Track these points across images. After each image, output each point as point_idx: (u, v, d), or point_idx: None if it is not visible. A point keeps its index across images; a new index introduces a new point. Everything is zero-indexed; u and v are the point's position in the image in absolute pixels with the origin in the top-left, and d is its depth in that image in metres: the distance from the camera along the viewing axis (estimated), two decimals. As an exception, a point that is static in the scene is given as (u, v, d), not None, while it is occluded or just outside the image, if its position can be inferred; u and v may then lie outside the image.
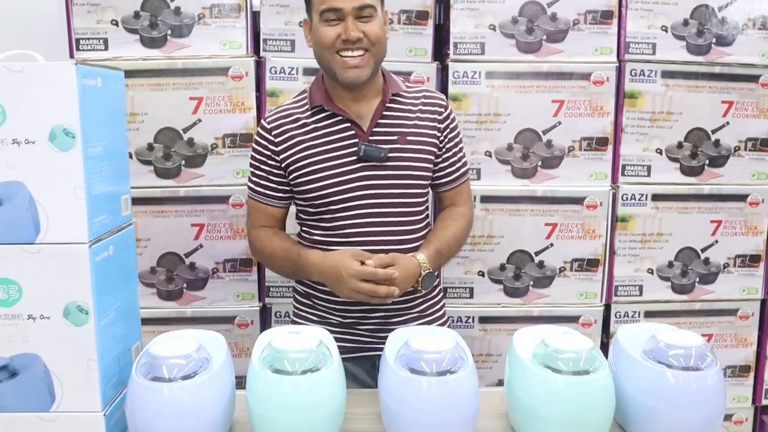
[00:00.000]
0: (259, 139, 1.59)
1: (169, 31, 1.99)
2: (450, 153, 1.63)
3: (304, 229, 1.63)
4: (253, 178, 1.61)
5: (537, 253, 2.09)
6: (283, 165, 1.56)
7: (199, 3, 1.98)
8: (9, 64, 1.08)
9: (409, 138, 1.55)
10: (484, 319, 2.10)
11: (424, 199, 1.63)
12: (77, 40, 1.99)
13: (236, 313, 2.08)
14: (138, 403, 1.11)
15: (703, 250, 2.14)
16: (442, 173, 1.64)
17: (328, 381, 1.13)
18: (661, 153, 2.09)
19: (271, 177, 1.58)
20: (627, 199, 2.08)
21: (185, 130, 1.99)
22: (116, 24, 1.98)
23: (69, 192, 1.11)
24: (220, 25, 1.99)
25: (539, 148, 2.06)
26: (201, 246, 2.05)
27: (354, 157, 1.52)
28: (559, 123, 2.05)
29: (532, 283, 2.10)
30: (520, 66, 2.03)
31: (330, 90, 1.55)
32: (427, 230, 1.64)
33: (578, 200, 2.06)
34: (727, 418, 2.23)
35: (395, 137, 1.54)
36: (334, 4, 1.43)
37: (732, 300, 2.18)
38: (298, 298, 1.68)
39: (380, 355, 1.24)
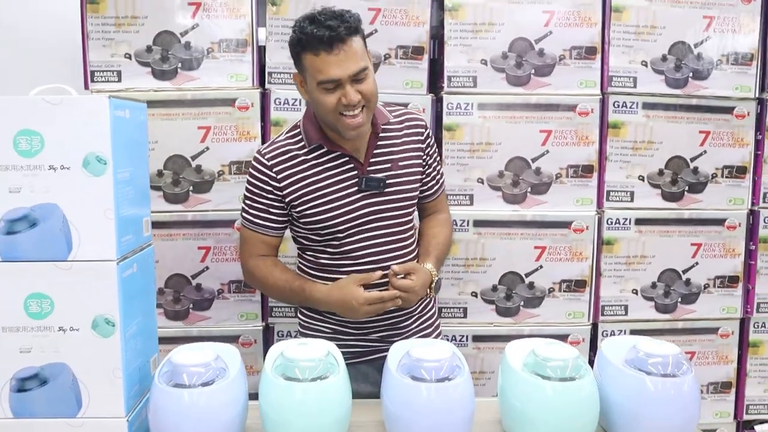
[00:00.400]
0: (258, 174, 1.65)
1: (180, 65, 2.10)
2: (432, 169, 1.79)
3: (308, 253, 1.73)
4: (251, 211, 1.68)
5: (527, 275, 2.20)
6: (286, 200, 1.65)
7: (208, 38, 2.10)
8: (47, 96, 1.19)
9: (400, 164, 1.69)
10: (477, 338, 2.20)
11: (413, 211, 1.78)
12: (92, 72, 2.10)
13: (240, 332, 2.17)
14: (160, 407, 1.20)
15: (684, 272, 2.25)
16: (426, 187, 1.79)
17: (336, 388, 1.23)
18: (643, 180, 2.21)
19: (271, 210, 1.67)
20: (612, 223, 2.20)
21: (193, 157, 2.10)
22: (129, 57, 2.09)
23: (99, 213, 1.21)
24: (228, 59, 2.11)
25: (528, 175, 2.17)
26: (207, 268, 2.14)
27: (355, 188, 1.64)
28: (547, 152, 2.17)
29: (522, 303, 2.21)
30: (510, 98, 2.15)
31: (325, 130, 1.64)
32: (415, 237, 1.78)
33: (566, 224, 2.18)
34: (710, 433, 2.33)
35: (389, 165, 1.67)
36: (332, 76, 1.50)
37: (713, 319, 2.29)
38: (308, 313, 1.77)
39: None
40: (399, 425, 1.25)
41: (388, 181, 1.66)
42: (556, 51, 2.15)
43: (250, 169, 1.68)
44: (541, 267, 2.19)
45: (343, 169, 1.65)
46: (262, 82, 2.14)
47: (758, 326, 2.31)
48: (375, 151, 1.67)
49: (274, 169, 1.64)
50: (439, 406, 1.21)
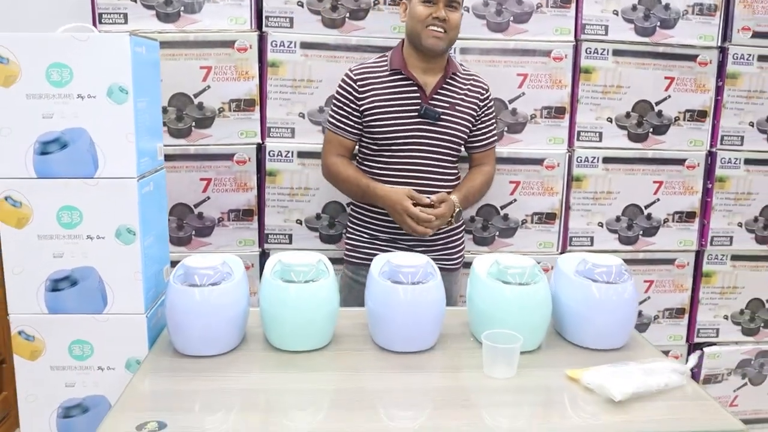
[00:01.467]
0: (345, 86, 2.00)
1: (182, 8, 2.25)
2: (484, 125, 2.07)
3: (365, 162, 2.05)
4: (335, 115, 2.02)
5: (502, 208, 2.40)
6: (361, 108, 1.97)
7: (208, -18, 2.24)
8: (75, 33, 1.36)
9: (457, 107, 1.99)
10: (455, 265, 2.40)
11: (458, 157, 2.07)
12: (99, 15, 2.24)
13: (239, 257, 2.36)
14: (175, 304, 1.40)
15: (646, 207, 2.46)
16: (476, 138, 2.08)
17: (325, 289, 1.44)
18: (611, 121, 2.40)
19: (350, 115, 1.99)
20: (581, 161, 2.39)
21: (196, 95, 2.26)
22: (135, 0, 2.24)
23: (122, 137, 1.40)
24: (228, 3, 2.25)
25: (505, 115, 2.35)
26: (208, 198, 2.33)
27: (415, 113, 1.95)
28: (523, 94, 2.35)
29: (498, 233, 2.41)
30: (490, 43, 2.31)
31: (407, 59, 1.98)
32: (456, 180, 2.07)
33: (538, 161, 2.37)
34: (665, 353, 2.56)
35: (447, 105, 1.98)
36: None
37: (670, 251, 2.50)
38: (354, 221, 2.11)
39: None
40: (380, 323, 1.46)
41: (443, 116, 1.96)
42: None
43: (340, 82, 2.02)
44: (515, 200, 2.39)
45: (410, 95, 1.97)
46: (259, 25, 2.28)
47: (712, 258, 2.53)
48: (439, 90, 1.98)
49: (358, 83, 1.98)
50: (413, 305, 1.42)
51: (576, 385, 1.32)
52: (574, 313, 1.50)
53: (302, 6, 2.25)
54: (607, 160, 2.40)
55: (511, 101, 2.35)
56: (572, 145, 2.40)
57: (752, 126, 2.45)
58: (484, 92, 2.06)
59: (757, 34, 2.39)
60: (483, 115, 2.06)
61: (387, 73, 1.98)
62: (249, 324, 1.51)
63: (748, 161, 2.46)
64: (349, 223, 2.15)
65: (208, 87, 2.26)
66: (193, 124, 2.28)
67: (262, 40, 2.27)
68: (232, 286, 1.43)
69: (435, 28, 1.89)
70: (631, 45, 2.35)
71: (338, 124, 2.02)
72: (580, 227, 2.44)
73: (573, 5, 2.32)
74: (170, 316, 1.41)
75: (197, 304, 1.39)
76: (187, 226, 2.34)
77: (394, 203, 1.91)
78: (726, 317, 2.58)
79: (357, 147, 2.08)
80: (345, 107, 2.00)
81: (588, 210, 2.44)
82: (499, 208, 2.39)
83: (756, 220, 2.51)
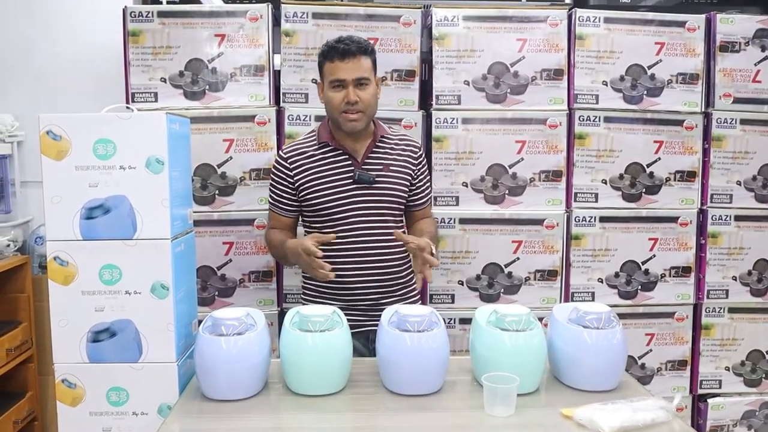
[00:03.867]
0: (278, 166, 2.07)
1: (207, 87, 2.47)
2: (421, 182, 2.14)
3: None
4: (273, 195, 2.10)
5: (506, 266, 2.54)
6: (295, 185, 2.03)
7: (231, 64, 2.47)
8: (119, 113, 1.56)
9: (391, 168, 2.05)
10: (463, 321, 2.53)
11: (401, 217, 2.13)
12: (132, 94, 2.47)
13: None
14: (204, 352, 1.54)
15: (643, 263, 2.59)
16: (415, 197, 2.14)
17: (339, 338, 1.58)
18: (606, 183, 2.56)
19: (284, 194, 2.06)
20: (579, 220, 2.54)
21: (219, 165, 2.46)
22: (164, 81, 2.46)
23: (158, 203, 1.57)
24: (248, 81, 2.47)
25: (506, 179, 2.52)
26: (230, 260, 2.50)
27: (350, 181, 2.01)
28: (522, 159, 2.52)
29: (502, 290, 2.55)
30: (489, 113, 2.51)
31: (334, 132, 2.04)
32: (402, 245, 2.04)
33: (539, 222, 2.52)
34: (669, 405, 2.64)
35: (381, 167, 2.04)
36: (340, 76, 1.93)
37: (669, 304, 2.62)
38: (308, 288, 2.13)
39: (373, 330, 1.69)
40: (389, 368, 1.59)
41: (378, 179, 2.02)
42: (529, 73, 2.51)
43: (274, 163, 2.09)
44: (518, 259, 2.54)
45: (342, 164, 2.02)
46: (277, 101, 2.50)
47: (709, 311, 2.64)
48: (370, 154, 2.04)
49: (289, 161, 2.04)
50: (420, 351, 1.56)
51: (570, 422, 1.44)
52: (567, 357, 1.62)
53: (316, 83, 2.47)
54: (603, 219, 2.55)
55: (511, 166, 2.52)
56: (570, 206, 2.55)
57: (739, 185, 2.60)
58: (417, 150, 2.12)
59: (738, 100, 2.57)
60: (419, 172, 2.12)
61: (316, 146, 2.04)
62: (270, 372, 1.65)
63: (738, 218, 2.60)
64: (303, 291, 2.17)
65: (231, 158, 2.46)
66: (217, 192, 2.47)
67: (279, 114, 2.47)
68: (256, 335, 1.57)
69: (349, 114, 1.94)
70: (620, 112, 2.53)
71: (275, 202, 2.08)
72: (581, 283, 2.57)
73: (565, 77, 2.52)
74: (199, 363, 1.55)
75: (224, 351, 1.53)
76: (211, 287, 2.50)
77: (293, 250, 1.90)
78: (727, 369, 2.67)
79: (302, 225, 2.13)
80: (279, 186, 2.06)
81: (588, 267, 2.57)
82: (503, 266, 2.54)
83: (750, 273, 2.63)
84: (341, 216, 2.01)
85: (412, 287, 2.15)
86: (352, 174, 2.01)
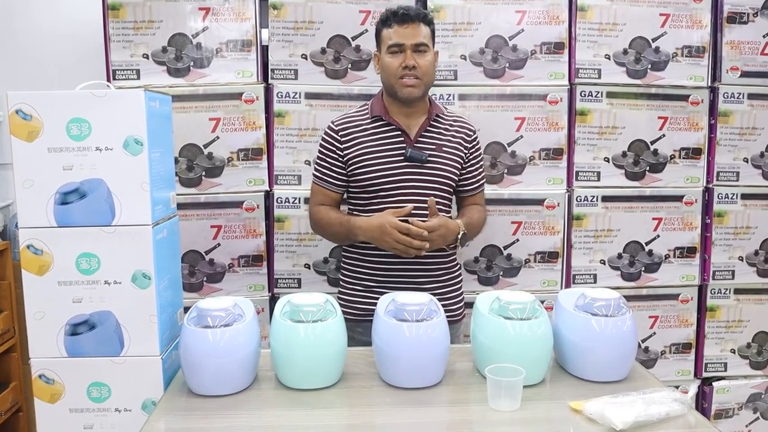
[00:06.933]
0: (327, 138, 1.99)
1: (192, 63, 2.36)
2: (473, 167, 2.05)
3: (354, 212, 2.01)
4: (319, 168, 2.01)
5: (505, 248, 2.45)
6: (344, 159, 1.96)
7: (217, 39, 2.35)
8: (94, 90, 1.45)
9: (444, 148, 1.97)
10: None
11: (450, 201, 2.05)
12: (114, 71, 2.35)
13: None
14: (189, 345, 1.45)
15: (647, 244, 2.51)
16: (466, 182, 2.05)
17: (332, 328, 1.49)
18: (608, 161, 2.47)
19: (333, 167, 1.98)
20: (580, 200, 2.45)
21: (205, 145, 2.35)
22: (147, 57, 2.35)
23: (137, 186, 1.47)
24: (235, 57, 2.36)
25: (505, 158, 2.43)
26: (219, 244, 2.40)
27: (401, 158, 1.93)
28: (521, 137, 2.43)
29: (501, 273, 2.46)
30: (487, 89, 2.40)
31: (388, 106, 1.98)
32: None
33: (539, 202, 2.43)
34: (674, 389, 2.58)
35: (433, 147, 1.96)
36: (398, 41, 1.88)
37: (673, 286, 2.54)
38: (346, 274, 2.05)
39: None
40: (386, 360, 1.50)
41: (429, 158, 1.94)
42: (528, 46, 2.41)
43: (323, 134, 2.01)
44: (517, 240, 2.45)
45: (394, 140, 1.95)
46: (266, 78, 2.39)
47: (715, 292, 2.56)
48: (424, 133, 1.96)
49: (340, 133, 1.97)
50: (418, 341, 1.47)
51: (579, 416, 1.35)
52: (575, 347, 1.54)
53: (306, 59, 2.36)
54: (606, 198, 2.46)
55: (510, 144, 2.42)
56: (571, 185, 2.46)
57: (747, 162, 2.51)
58: (471, 133, 2.04)
59: (745, 74, 2.47)
60: (471, 156, 2.03)
61: (369, 120, 1.97)
62: (260, 365, 1.56)
63: (744, 196, 2.52)
64: (342, 277, 2.07)
65: (217, 138, 2.35)
66: (203, 173, 2.37)
67: (268, 91, 2.37)
68: (244, 326, 1.48)
69: (407, 80, 1.89)
70: (624, 87, 2.44)
71: (322, 176, 2.00)
72: (582, 265, 2.49)
73: (566, 51, 2.42)
74: (184, 357, 1.46)
75: (210, 344, 1.44)
76: (199, 272, 2.40)
77: (377, 227, 1.84)
78: (733, 351, 2.60)
79: (346, 201, 2.06)
80: (328, 158, 1.98)
81: (590, 248, 2.49)
82: (502, 248, 2.45)
83: (756, 253, 2.56)
84: (389, 194, 1.94)
85: (456, 273, 2.08)
86: (403, 151, 1.94)
